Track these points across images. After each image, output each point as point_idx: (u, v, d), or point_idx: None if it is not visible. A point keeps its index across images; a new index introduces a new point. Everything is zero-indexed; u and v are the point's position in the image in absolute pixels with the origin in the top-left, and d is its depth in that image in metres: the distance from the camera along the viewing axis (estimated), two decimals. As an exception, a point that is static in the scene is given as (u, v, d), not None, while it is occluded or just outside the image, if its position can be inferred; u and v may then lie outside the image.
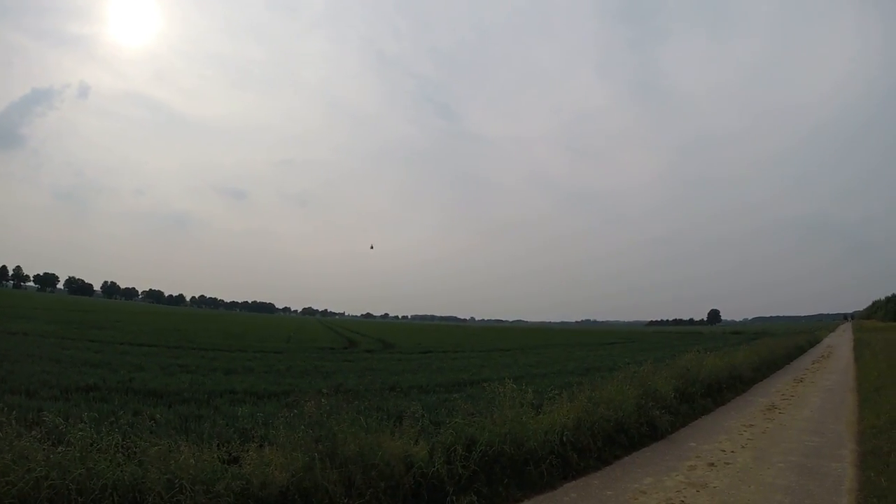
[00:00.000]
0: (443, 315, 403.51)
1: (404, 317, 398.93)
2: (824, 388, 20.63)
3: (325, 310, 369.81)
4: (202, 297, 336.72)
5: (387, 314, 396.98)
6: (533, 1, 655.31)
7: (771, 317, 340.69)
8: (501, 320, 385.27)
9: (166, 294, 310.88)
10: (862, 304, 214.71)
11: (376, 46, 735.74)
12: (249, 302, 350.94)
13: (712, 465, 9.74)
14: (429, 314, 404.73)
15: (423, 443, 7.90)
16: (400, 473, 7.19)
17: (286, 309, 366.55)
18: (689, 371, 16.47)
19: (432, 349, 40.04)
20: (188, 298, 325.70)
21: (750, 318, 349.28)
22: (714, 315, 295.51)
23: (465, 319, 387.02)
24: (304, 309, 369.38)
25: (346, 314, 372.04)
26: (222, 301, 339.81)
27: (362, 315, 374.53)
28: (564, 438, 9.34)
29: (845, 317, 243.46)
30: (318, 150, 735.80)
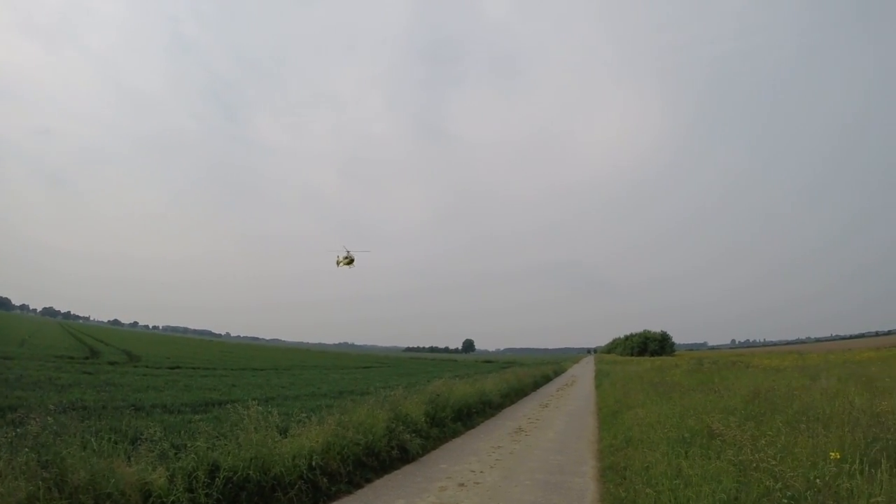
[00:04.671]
0: (197, 328, 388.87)
1: (155, 327, 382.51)
2: (568, 412, 23.64)
3: (69, 312, 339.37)
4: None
5: (136, 322, 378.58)
6: (343, 22, 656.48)
7: (522, 348, 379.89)
8: (258, 338, 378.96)
9: None
10: (604, 340, 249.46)
11: (177, 27, 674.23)
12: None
13: (462, 485, 10.70)
14: (182, 326, 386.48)
15: (161, 469, 7.65)
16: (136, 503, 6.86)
17: (24, 307, 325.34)
18: (439, 396, 17.87)
19: (182, 365, 39.43)
20: None
21: (502, 348, 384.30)
22: (469, 344, 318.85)
23: (220, 335, 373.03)
24: (45, 308, 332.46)
25: (92, 319, 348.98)
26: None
27: (109, 321, 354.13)
28: (313, 463, 9.62)
29: (589, 351, 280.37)
30: (86, 126, 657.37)
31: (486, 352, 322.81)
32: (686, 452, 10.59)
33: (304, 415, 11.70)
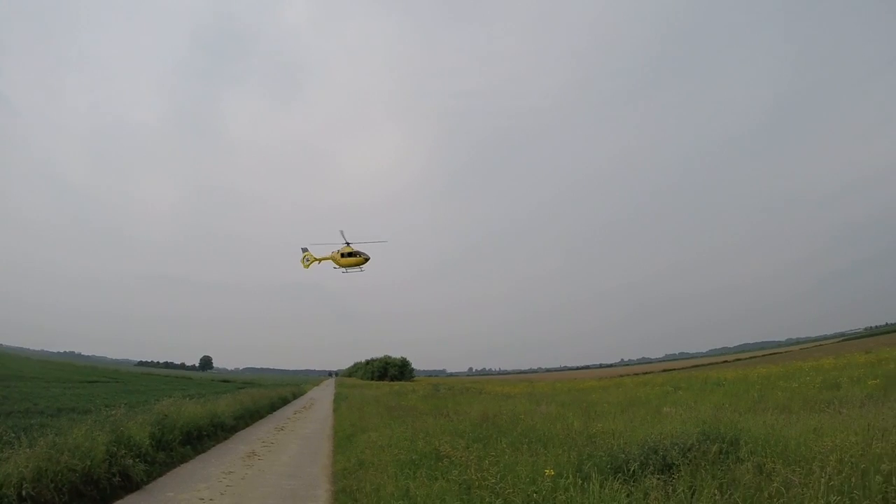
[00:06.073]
0: None
1: None
2: (303, 435, 24.07)
3: None
4: None
5: None
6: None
7: (263, 368, 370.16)
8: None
9: None
10: (347, 363, 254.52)
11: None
12: None
13: (189, 512, 10.63)
14: None
15: None
16: None
17: None
18: (167, 417, 17.55)
19: None
20: None
21: (242, 367, 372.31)
22: (206, 362, 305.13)
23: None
24: None
25: None
26: None
27: None
28: (24, 493, 9.12)
29: (331, 373, 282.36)
30: None
31: (225, 370, 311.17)
32: (414, 473, 11.62)
33: (13, 435, 10.86)
